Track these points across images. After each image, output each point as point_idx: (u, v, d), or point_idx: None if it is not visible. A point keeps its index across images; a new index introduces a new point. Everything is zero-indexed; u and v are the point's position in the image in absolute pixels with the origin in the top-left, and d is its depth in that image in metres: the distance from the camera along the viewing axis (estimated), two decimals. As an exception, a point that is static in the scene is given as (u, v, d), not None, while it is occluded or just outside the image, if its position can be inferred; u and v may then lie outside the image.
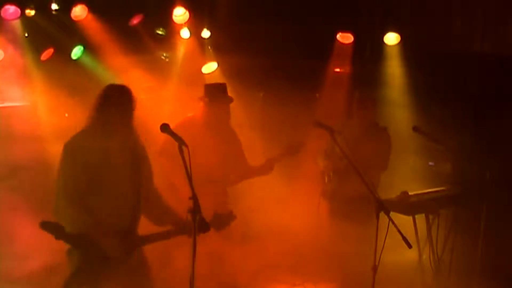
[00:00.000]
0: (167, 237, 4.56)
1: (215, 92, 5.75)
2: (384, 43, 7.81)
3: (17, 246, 6.08)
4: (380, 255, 4.66)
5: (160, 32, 7.89)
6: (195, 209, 3.94)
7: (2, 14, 6.53)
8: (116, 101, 4.36)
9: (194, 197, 3.98)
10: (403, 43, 7.75)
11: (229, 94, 5.92)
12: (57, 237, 4.25)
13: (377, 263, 4.71)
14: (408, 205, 5.81)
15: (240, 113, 6.88)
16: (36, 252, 5.92)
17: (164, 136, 4.53)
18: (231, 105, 5.94)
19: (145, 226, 4.67)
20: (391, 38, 7.76)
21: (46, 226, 4.23)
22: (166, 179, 5.45)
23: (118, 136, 4.40)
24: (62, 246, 4.42)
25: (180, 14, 7.54)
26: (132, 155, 4.49)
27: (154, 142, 5.48)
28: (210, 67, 7.87)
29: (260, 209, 6.86)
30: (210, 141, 5.55)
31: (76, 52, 7.19)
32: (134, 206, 4.47)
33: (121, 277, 4.42)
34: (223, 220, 4.78)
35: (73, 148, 4.34)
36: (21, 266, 5.95)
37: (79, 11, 7.04)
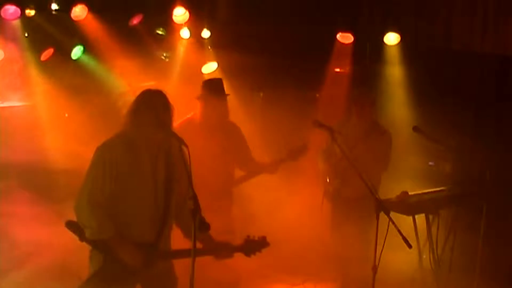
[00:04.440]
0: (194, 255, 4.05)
1: (213, 87, 5.73)
2: (384, 43, 7.80)
3: (17, 245, 6.11)
4: (380, 255, 4.66)
5: (160, 32, 7.89)
6: (195, 209, 3.93)
7: (2, 14, 6.53)
8: (149, 106, 4.24)
9: (194, 197, 3.97)
10: (403, 43, 7.74)
11: (229, 93, 5.91)
12: (81, 239, 4.21)
13: (377, 263, 4.71)
14: (408, 205, 5.81)
15: (240, 113, 6.87)
16: (37, 251, 5.94)
17: None
18: (231, 104, 5.92)
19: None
20: (391, 38, 7.74)
21: (71, 226, 4.20)
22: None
23: (151, 143, 4.27)
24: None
25: (180, 14, 7.54)
26: (166, 166, 4.33)
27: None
28: (210, 67, 7.87)
29: (261, 209, 6.86)
30: (212, 139, 5.52)
31: (76, 52, 7.19)
32: (161, 220, 4.32)
33: (140, 285, 4.39)
34: (254, 246, 4.59)
35: (103, 153, 4.21)
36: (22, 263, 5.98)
37: (79, 11, 7.04)
